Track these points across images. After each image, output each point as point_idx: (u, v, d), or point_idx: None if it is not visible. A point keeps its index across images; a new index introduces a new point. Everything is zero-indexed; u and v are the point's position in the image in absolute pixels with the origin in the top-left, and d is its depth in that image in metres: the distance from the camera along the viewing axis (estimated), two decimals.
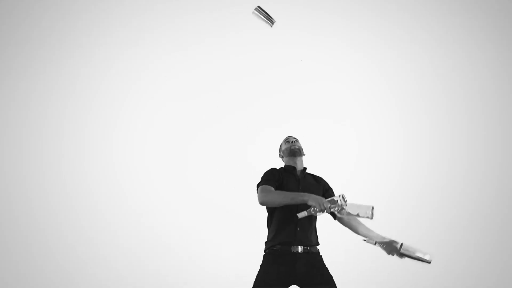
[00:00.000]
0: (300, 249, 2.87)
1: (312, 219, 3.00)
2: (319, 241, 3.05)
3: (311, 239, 2.94)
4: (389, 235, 5.57)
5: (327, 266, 2.98)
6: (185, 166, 5.70)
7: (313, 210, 2.73)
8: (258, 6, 3.49)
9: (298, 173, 3.15)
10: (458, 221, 5.64)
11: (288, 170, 3.16)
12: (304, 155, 3.21)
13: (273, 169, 3.14)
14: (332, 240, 5.49)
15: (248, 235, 5.49)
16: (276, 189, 3.00)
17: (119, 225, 5.54)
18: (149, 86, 5.82)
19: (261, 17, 3.50)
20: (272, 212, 3.04)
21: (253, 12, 3.52)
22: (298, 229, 2.90)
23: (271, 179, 3.03)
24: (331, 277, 2.91)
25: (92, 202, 5.60)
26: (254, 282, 2.90)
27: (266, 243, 3.00)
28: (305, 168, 3.20)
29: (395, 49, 5.85)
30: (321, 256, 2.98)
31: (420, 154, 5.75)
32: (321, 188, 3.15)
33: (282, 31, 5.88)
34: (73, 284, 5.07)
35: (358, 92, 5.85)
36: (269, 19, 3.52)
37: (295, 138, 3.26)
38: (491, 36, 5.81)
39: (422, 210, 5.69)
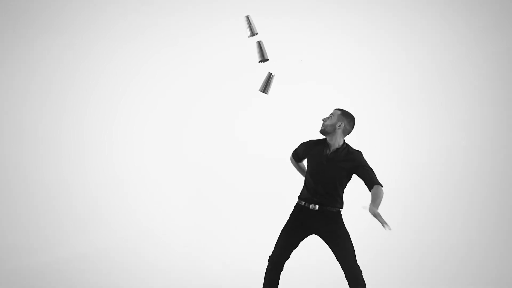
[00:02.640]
0: (317, 207, 3.32)
1: (336, 184, 3.32)
2: (340, 204, 3.37)
3: (328, 200, 3.31)
4: (388, 232, 5.62)
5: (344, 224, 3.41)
6: (185, 163, 5.71)
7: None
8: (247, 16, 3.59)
9: (330, 151, 3.34)
10: (456, 219, 5.71)
11: (322, 145, 3.40)
12: (329, 133, 3.35)
13: (307, 143, 3.49)
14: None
15: (248, 235, 5.52)
16: (301, 159, 3.53)
17: (119, 223, 5.55)
18: (147, 81, 5.81)
19: (248, 25, 3.60)
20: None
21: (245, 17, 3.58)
22: (318, 196, 3.33)
23: (298, 150, 3.53)
24: (347, 233, 3.37)
25: (91, 198, 5.61)
26: (280, 232, 3.42)
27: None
28: (340, 148, 3.36)
29: (396, 45, 5.87)
30: (339, 214, 3.38)
31: (420, 153, 5.79)
32: (346, 168, 3.33)
33: (282, 29, 5.89)
34: (72, 281, 5.07)
35: (358, 89, 5.87)
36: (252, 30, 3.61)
37: (329, 115, 3.40)
38: (492, 34, 5.83)
39: (421, 208, 5.75)
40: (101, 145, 5.70)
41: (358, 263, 3.38)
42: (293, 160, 3.59)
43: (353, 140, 5.91)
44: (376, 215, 3.09)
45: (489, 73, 5.83)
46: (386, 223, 3.05)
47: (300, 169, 3.63)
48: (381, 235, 5.58)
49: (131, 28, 5.76)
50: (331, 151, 3.35)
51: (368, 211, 3.12)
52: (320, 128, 3.39)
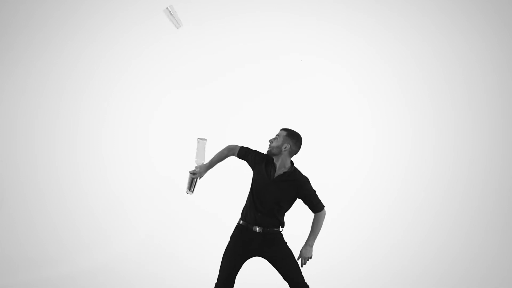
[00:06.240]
0: (257, 228, 3.34)
1: (279, 207, 3.35)
2: (282, 224, 3.42)
3: (270, 221, 3.34)
4: (393, 232, 5.58)
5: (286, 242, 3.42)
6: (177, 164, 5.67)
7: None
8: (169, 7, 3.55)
9: (276, 172, 3.36)
10: (462, 221, 5.64)
11: (270, 164, 3.39)
12: (276, 154, 3.35)
13: (259, 154, 3.43)
14: (336, 241, 5.46)
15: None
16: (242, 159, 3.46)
17: (111, 222, 5.52)
18: (138, 80, 5.82)
19: (170, 17, 3.56)
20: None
21: (164, 10, 3.57)
22: (259, 214, 3.34)
23: (247, 152, 3.44)
24: (291, 252, 3.38)
25: (83, 196, 5.61)
26: (223, 253, 3.39)
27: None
28: (287, 171, 3.35)
29: (402, 44, 5.84)
30: (281, 234, 3.42)
31: (426, 151, 5.75)
32: (292, 195, 3.37)
33: (283, 27, 5.85)
34: (68, 277, 5.02)
35: (362, 89, 5.83)
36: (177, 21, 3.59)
37: (275, 136, 3.39)
38: (498, 30, 5.77)
39: (427, 208, 5.68)
40: (93, 144, 5.71)
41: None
42: (234, 151, 3.50)
43: (360, 141, 5.95)
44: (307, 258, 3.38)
45: (498, 73, 5.77)
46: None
47: (218, 162, 3.57)
48: (388, 238, 5.53)
49: (122, 28, 5.77)
50: (277, 173, 3.35)
51: (302, 255, 3.38)
52: (267, 150, 3.39)
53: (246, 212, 3.38)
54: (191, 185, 3.55)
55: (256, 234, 3.32)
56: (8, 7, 5.70)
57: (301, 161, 5.88)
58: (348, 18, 5.83)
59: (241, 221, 3.40)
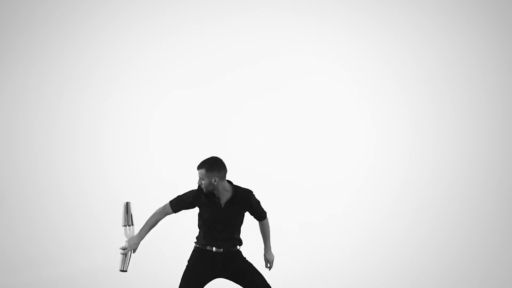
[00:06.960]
0: (221, 250, 3.36)
1: (235, 228, 3.39)
2: (240, 242, 3.46)
3: (229, 243, 3.39)
4: (393, 232, 5.58)
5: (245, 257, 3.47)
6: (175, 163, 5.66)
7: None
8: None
9: (222, 200, 3.35)
10: (462, 221, 5.60)
11: (212, 198, 3.36)
12: (212, 190, 3.30)
13: (192, 193, 3.37)
14: (336, 241, 5.45)
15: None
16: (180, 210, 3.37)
17: (111, 222, 5.48)
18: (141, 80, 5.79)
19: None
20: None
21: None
22: (219, 243, 3.36)
23: (180, 201, 3.36)
24: (251, 264, 3.42)
25: (83, 196, 5.58)
26: (182, 276, 3.34)
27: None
28: (232, 195, 3.36)
29: (402, 44, 5.81)
30: (240, 251, 3.46)
31: (426, 151, 5.72)
32: (242, 213, 3.41)
33: (284, 27, 5.84)
34: (68, 277, 5.01)
35: (363, 88, 5.81)
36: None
37: (199, 178, 3.31)
38: (498, 30, 5.75)
39: (427, 208, 5.64)
40: (93, 145, 5.69)
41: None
42: (167, 210, 3.38)
43: (360, 141, 5.94)
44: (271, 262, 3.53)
45: (497, 73, 5.75)
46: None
47: (150, 230, 3.41)
48: (388, 238, 5.51)
49: (122, 28, 5.76)
50: (222, 200, 3.36)
51: (268, 260, 3.51)
52: (204, 192, 3.36)
53: (203, 240, 3.37)
54: (124, 263, 3.20)
55: (217, 253, 3.33)
56: (8, 7, 5.68)
57: (302, 161, 5.90)
58: (348, 18, 5.80)
59: (200, 246, 3.38)
